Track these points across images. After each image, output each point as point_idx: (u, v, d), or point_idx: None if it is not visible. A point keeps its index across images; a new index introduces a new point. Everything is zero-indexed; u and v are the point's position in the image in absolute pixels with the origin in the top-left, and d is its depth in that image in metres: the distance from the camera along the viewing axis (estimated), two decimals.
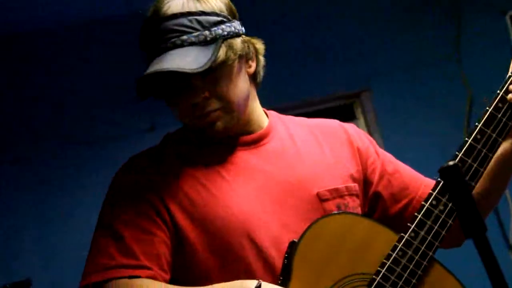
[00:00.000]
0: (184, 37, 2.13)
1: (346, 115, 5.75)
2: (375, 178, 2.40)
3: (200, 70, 2.07)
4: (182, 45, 2.13)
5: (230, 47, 2.18)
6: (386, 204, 2.40)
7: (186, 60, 2.10)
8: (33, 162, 5.48)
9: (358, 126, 5.51)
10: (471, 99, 5.45)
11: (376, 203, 2.40)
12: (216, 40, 2.15)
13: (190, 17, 2.15)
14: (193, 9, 2.16)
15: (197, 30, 2.14)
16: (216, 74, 2.17)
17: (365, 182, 2.40)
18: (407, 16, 5.77)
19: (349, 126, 2.50)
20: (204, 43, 2.14)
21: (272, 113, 2.41)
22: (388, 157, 2.50)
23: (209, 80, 2.17)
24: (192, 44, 2.13)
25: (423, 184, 2.43)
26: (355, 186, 2.34)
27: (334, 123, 2.50)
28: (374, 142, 2.50)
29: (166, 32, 2.14)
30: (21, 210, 5.42)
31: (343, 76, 5.65)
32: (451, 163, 1.50)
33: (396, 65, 5.68)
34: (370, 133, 5.64)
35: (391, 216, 2.38)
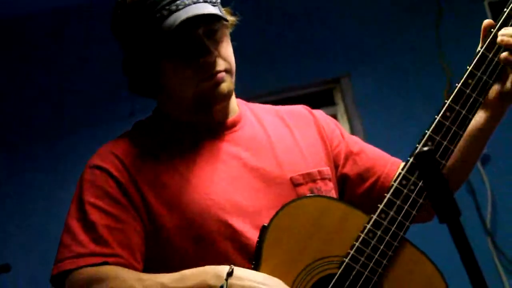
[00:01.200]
0: None
1: (325, 101, 5.76)
2: (341, 159, 2.43)
3: (226, 20, 2.22)
4: (198, 1, 2.18)
5: (226, 12, 2.30)
6: (353, 184, 2.42)
7: (209, 9, 2.17)
8: (17, 148, 5.48)
9: (337, 111, 5.62)
10: (450, 83, 5.47)
11: (344, 184, 2.42)
12: (217, 4, 2.25)
13: None
14: None
15: None
16: (221, 34, 2.25)
17: (333, 164, 2.41)
18: (387, 3, 5.78)
19: (316, 111, 2.53)
20: (212, 4, 2.21)
21: (239, 100, 2.43)
22: (354, 138, 2.53)
23: (216, 40, 2.23)
24: (205, 1, 2.19)
25: (389, 162, 2.45)
26: (327, 170, 2.36)
27: (301, 108, 2.54)
28: (339, 125, 2.53)
29: None
30: (3, 198, 5.42)
31: (323, 62, 5.68)
32: (425, 148, 1.49)
33: (376, 51, 5.70)
34: (349, 118, 5.67)
35: (359, 196, 2.40)
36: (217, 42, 2.24)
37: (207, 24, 2.20)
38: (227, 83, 2.24)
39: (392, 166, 2.43)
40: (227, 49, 2.27)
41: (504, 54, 2.15)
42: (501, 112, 2.27)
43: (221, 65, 2.23)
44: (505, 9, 2.22)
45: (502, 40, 2.16)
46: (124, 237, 2.11)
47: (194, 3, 2.17)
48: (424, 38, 5.70)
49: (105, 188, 2.16)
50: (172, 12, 2.15)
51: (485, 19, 5.18)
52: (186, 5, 2.16)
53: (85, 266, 2.06)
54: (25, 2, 5.47)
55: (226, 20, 2.23)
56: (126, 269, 2.06)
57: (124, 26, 2.26)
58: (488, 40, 2.19)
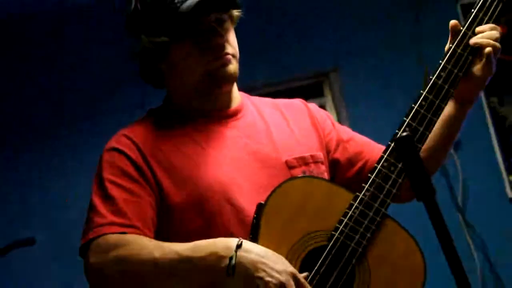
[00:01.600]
0: None
1: (315, 93, 5.77)
2: (333, 146, 2.44)
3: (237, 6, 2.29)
4: None
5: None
6: (344, 168, 2.44)
7: None
8: (44, 132, 5.48)
9: (326, 103, 5.64)
10: (427, 77, 5.47)
11: (335, 168, 2.43)
12: None
13: None
14: None
15: None
16: (227, 25, 2.30)
17: (325, 150, 2.43)
18: (373, 3, 5.78)
19: (310, 104, 2.55)
20: None
21: (241, 93, 2.45)
22: (343, 128, 2.56)
23: (224, 28, 2.27)
24: None
25: (375, 148, 2.47)
26: (319, 154, 2.37)
27: (297, 101, 2.56)
28: (331, 116, 2.56)
29: None
30: (26, 173, 5.41)
31: (313, 57, 5.68)
32: (404, 133, 1.53)
33: (362, 47, 5.70)
34: (336, 109, 5.68)
35: (349, 178, 2.42)
36: (225, 30, 2.27)
37: (218, 13, 2.25)
38: (234, 66, 2.28)
39: (378, 151, 2.37)
40: (233, 38, 2.32)
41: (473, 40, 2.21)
42: (470, 102, 2.31)
43: (229, 48, 2.27)
44: (472, 10, 2.24)
45: (475, 43, 2.20)
46: (140, 210, 2.12)
47: None
48: (404, 36, 5.70)
49: (122, 167, 2.18)
50: None
51: (457, 19, 5.20)
52: None
53: (107, 234, 2.07)
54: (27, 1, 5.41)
55: (238, 6, 2.28)
56: (145, 237, 2.08)
57: (141, 18, 2.28)
58: (458, 38, 2.22)
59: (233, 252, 1.97)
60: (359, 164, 2.45)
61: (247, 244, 2.00)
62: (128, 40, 2.38)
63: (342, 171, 2.44)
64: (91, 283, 2.10)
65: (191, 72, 2.27)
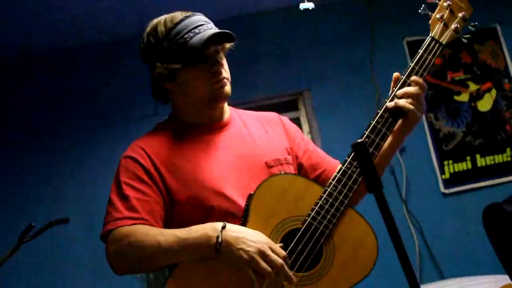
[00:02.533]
0: (210, 24, 2.30)
1: (291, 108, 5.77)
2: (300, 153, 2.48)
3: (234, 38, 2.30)
4: (212, 28, 2.29)
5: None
6: (307, 172, 2.46)
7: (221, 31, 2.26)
8: (79, 129, 5.45)
9: (300, 115, 5.61)
10: (379, 98, 5.51)
11: (300, 171, 2.46)
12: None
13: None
14: None
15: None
16: (222, 54, 2.33)
17: (294, 155, 2.45)
18: (338, 37, 5.79)
19: (284, 118, 2.58)
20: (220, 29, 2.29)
21: (229, 107, 2.48)
22: (310, 141, 2.60)
23: (221, 56, 2.32)
24: (215, 28, 2.30)
25: (331, 161, 2.52)
26: (290, 158, 2.41)
27: (273, 114, 2.58)
28: (300, 130, 2.58)
29: (201, 19, 2.30)
30: (63, 157, 5.39)
31: (290, 79, 5.68)
32: (359, 140, 1.55)
33: (329, 72, 5.70)
34: (308, 121, 5.66)
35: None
36: (221, 58, 2.31)
37: (215, 45, 2.28)
38: (228, 87, 2.32)
39: (333, 164, 2.50)
40: (226, 65, 2.35)
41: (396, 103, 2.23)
42: (411, 126, 2.30)
43: (224, 73, 2.30)
44: (410, 63, 2.27)
45: (396, 103, 2.22)
46: (149, 206, 2.16)
47: (209, 28, 2.27)
48: (362, 64, 5.70)
49: (135, 172, 2.21)
50: (196, 33, 2.24)
51: (403, 53, 5.15)
52: (205, 29, 2.25)
53: (121, 226, 2.11)
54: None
55: (234, 39, 2.30)
56: (150, 227, 2.12)
57: (155, 49, 2.29)
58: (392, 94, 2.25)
59: (219, 232, 2.02)
60: (319, 171, 2.47)
61: (229, 225, 2.05)
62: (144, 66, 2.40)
63: (306, 174, 2.46)
64: (111, 265, 2.13)
65: (197, 91, 2.29)
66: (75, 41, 5.38)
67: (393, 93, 2.24)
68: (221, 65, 2.30)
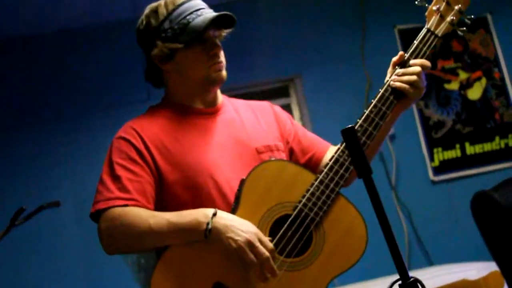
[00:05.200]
0: (210, 9, 2.34)
1: (282, 94, 5.77)
2: (290, 138, 2.48)
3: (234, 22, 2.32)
4: (212, 12, 2.31)
5: None
6: (298, 156, 2.48)
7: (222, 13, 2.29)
8: (70, 119, 5.42)
9: (291, 102, 5.60)
10: (369, 85, 5.51)
11: (291, 155, 2.47)
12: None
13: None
14: None
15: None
16: (219, 39, 2.35)
17: (285, 142, 2.46)
18: (330, 23, 5.78)
19: (275, 106, 2.59)
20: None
21: (222, 95, 2.48)
22: (300, 126, 2.60)
23: (219, 40, 2.35)
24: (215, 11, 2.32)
25: (322, 144, 2.52)
26: (280, 144, 2.41)
27: (265, 103, 2.59)
28: (291, 117, 2.59)
29: (201, 3, 2.33)
30: (54, 140, 5.36)
31: (282, 65, 5.67)
32: (349, 126, 1.55)
33: (320, 59, 5.69)
34: (299, 107, 5.66)
35: (302, 164, 2.43)
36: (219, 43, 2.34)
37: (215, 30, 2.32)
38: (225, 72, 2.33)
39: (324, 147, 2.50)
40: (222, 50, 2.36)
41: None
42: (404, 109, 2.33)
43: (222, 58, 2.32)
44: (405, 54, 2.27)
45: (396, 86, 2.23)
46: (141, 187, 2.16)
47: (211, 12, 2.30)
48: (353, 51, 5.70)
49: (127, 152, 2.21)
50: (198, 15, 2.27)
51: (395, 41, 5.13)
52: (207, 13, 2.28)
53: (113, 206, 2.11)
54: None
55: (234, 24, 2.32)
56: (142, 209, 2.12)
57: (155, 29, 2.31)
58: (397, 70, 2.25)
59: (210, 219, 2.03)
60: (309, 154, 2.48)
61: (220, 213, 2.06)
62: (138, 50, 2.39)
63: (296, 158, 2.47)
64: (102, 244, 2.14)
65: (194, 72, 2.30)
66: (63, 24, 5.34)
67: (393, 74, 2.24)
68: (220, 48, 2.33)
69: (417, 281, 1.54)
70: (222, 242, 2.02)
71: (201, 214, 2.05)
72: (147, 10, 2.36)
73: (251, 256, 2.02)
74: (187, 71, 2.30)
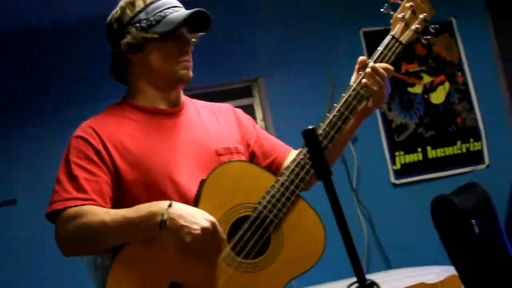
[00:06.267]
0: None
1: (246, 94, 5.78)
2: (252, 142, 2.49)
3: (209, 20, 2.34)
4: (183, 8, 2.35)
5: None
6: (259, 160, 2.48)
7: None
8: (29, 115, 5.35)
9: (254, 102, 5.61)
10: (333, 87, 5.55)
11: (252, 159, 2.47)
12: None
13: None
14: None
15: None
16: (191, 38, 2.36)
17: (246, 145, 2.46)
18: (295, 26, 5.80)
19: (237, 109, 2.59)
20: None
21: (184, 96, 2.47)
22: (262, 130, 2.62)
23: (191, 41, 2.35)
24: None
25: (284, 148, 2.53)
26: (241, 147, 2.41)
27: (227, 105, 2.59)
28: (252, 120, 2.59)
29: (177, 2, 2.36)
30: (11, 139, 5.30)
31: (245, 65, 5.67)
32: (309, 127, 1.57)
33: (285, 60, 5.70)
34: (262, 108, 5.68)
35: (263, 167, 2.42)
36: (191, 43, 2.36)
37: (190, 30, 2.33)
38: (191, 72, 2.34)
39: (285, 151, 2.51)
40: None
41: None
42: (367, 116, 2.36)
43: (190, 57, 2.34)
44: (369, 60, 2.29)
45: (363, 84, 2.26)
46: (98, 186, 2.15)
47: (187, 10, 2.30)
48: (318, 54, 5.72)
49: (85, 152, 2.19)
50: (175, 11, 2.29)
51: (360, 44, 5.18)
52: (183, 11, 2.30)
53: (70, 207, 2.11)
54: None
55: (209, 25, 2.34)
56: (98, 207, 2.12)
57: (130, 19, 2.30)
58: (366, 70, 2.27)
59: (165, 210, 2.03)
60: (271, 158, 2.49)
61: (175, 204, 2.07)
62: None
63: (258, 161, 2.47)
64: (59, 246, 2.13)
65: (163, 66, 2.29)
66: (31, 22, 5.29)
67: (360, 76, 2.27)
68: (191, 48, 2.34)
69: (373, 283, 1.57)
70: (177, 232, 2.02)
71: (156, 206, 2.05)
72: (122, 2, 2.35)
73: (208, 243, 2.03)
74: (155, 64, 2.29)
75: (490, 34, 6.27)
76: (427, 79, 6.01)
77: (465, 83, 6.09)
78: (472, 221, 4.90)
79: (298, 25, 5.80)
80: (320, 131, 2.20)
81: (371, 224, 5.51)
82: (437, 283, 3.97)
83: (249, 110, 5.29)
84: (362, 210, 5.49)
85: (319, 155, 1.59)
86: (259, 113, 5.67)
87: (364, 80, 2.25)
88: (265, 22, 5.78)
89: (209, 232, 2.03)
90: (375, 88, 2.25)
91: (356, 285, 1.58)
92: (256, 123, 2.63)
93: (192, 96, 2.55)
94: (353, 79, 2.29)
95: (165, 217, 2.02)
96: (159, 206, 2.06)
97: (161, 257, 2.07)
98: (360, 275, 1.58)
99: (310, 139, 1.59)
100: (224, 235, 2.08)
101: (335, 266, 3.73)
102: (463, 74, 6.10)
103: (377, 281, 1.60)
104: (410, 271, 4.53)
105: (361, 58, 2.30)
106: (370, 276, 1.59)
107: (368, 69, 2.26)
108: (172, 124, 2.33)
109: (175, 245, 2.05)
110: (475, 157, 5.98)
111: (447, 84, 6.05)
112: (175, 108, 2.37)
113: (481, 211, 5.00)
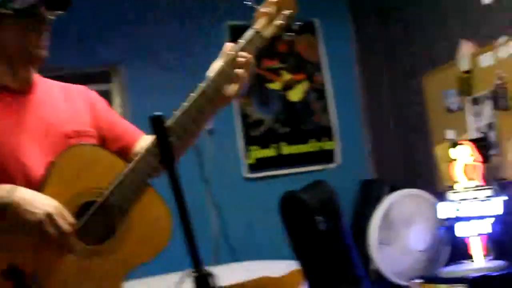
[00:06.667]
0: None
1: (104, 80, 5.77)
2: (103, 125, 2.44)
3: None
4: None
5: None
6: (109, 144, 2.42)
7: None
8: None
9: (112, 89, 5.57)
10: (194, 78, 5.57)
11: (103, 143, 2.42)
12: None
13: None
14: None
15: None
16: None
17: (98, 128, 2.42)
18: (159, 14, 5.79)
19: (91, 92, 2.53)
20: None
21: (36, 75, 2.39)
22: (115, 114, 2.59)
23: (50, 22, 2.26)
24: None
25: (135, 132, 2.49)
26: (92, 131, 2.37)
27: (81, 87, 2.52)
28: (106, 103, 2.55)
29: None
30: None
31: (105, 51, 5.65)
32: (156, 114, 1.60)
33: (146, 47, 5.72)
34: (121, 95, 5.66)
35: (114, 152, 2.36)
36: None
37: (50, 10, 2.23)
38: (46, 51, 2.26)
39: (137, 135, 2.48)
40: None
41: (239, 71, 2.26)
42: (223, 105, 2.35)
43: (47, 37, 2.25)
44: (240, 40, 2.31)
45: (240, 61, 2.26)
46: None
47: None
48: (180, 44, 5.78)
49: None
50: None
51: (223, 36, 5.23)
52: None
53: None
54: None
55: (70, 4, 2.27)
56: None
57: None
58: (228, 58, 2.27)
59: (8, 194, 2.00)
60: (122, 143, 2.44)
61: (20, 188, 2.04)
62: None
63: (108, 146, 2.41)
64: None
65: (16, 43, 2.21)
66: None
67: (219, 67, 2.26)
68: (48, 28, 2.25)
69: (209, 274, 1.60)
70: (21, 216, 1.99)
71: (1, 190, 2.02)
72: None
73: (51, 229, 2.00)
74: (8, 40, 2.21)
75: (351, 37, 6.49)
76: (286, 76, 6.15)
77: (323, 83, 6.27)
78: (317, 217, 5.08)
79: (163, 13, 5.83)
80: (174, 120, 2.20)
81: (221, 217, 5.58)
82: (280, 277, 4.09)
83: (106, 96, 5.27)
84: (213, 201, 5.54)
85: (164, 142, 1.61)
86: (117, 100, 5.64)
87: (225, 66, 2.27)
88: (127, 8, 5.74)
89: (52, 218, 2.00)
90: (237, 75, 2.27)
91: (193, 275, 1.62)
92: (113, 109, 2.60)
93: (48, 78, 2.48)
94: (213, 68, 2.31)
95: (7, 200, 1.99)
96: (4, 189, 2.02)
97: (5, 238, 2.02)
98: (197, 265, 1.61)
99: (157, 125, 1.60)
100: (70, 219, 2.05)
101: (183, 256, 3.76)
102: (322, 74, 6.28)
103: (223, 273, 1.64)
104: (257, 264, 4.64)
105: (227, 44, 2.32)
106: (217, 269, 1.63)
107: (230, 54, 2.28)
108: (20, 104, 2.26)
109: (19, 230, 2.01)
110: (327, 156, 6.20)
111: (306, 83, 6.22)
112: (25, 87, 2.30)
113: (326, 209, 5.19)
